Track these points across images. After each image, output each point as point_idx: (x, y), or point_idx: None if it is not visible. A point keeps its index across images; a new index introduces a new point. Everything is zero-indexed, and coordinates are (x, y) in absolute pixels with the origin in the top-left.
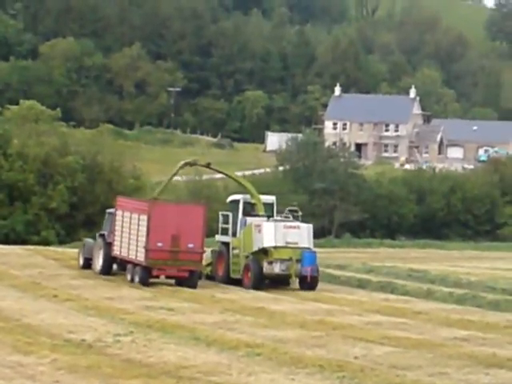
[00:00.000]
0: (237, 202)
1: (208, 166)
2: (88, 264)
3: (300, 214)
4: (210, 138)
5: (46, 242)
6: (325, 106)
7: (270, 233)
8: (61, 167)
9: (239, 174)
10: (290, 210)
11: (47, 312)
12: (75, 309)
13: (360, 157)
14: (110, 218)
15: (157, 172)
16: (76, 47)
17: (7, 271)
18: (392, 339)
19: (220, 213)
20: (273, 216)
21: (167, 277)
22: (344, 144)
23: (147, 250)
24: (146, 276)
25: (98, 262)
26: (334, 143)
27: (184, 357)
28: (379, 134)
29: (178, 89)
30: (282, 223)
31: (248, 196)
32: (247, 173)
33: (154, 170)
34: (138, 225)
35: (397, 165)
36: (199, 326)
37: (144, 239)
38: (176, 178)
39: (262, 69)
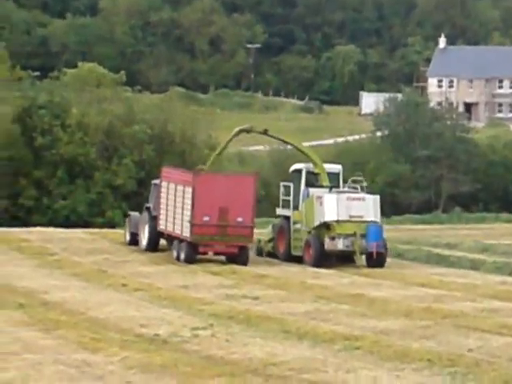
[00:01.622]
0: (299, 171)
1: (265, 132)
2: (135, 240)
3: (365, 184)
4: (295, 101)
5: (112, 224)
6: (428, 60)
7: (332, 205)
8: (126, 138)
9: (331, 141)
10: (353, 181)
11: (115, 304)
12: (147, 299)
13: (470, 118)
14: (155, 190)
15: (235, 141)
16: (141, 1)
17: (69, 258)
18: (511, 329)
19: (281, 183)
20: (339, 187)
21: (216, 253)
22: (451, 104)
23: (192, 225)
24: (192, 253)
25: (144, 238)
26: (440, 103)
27: (272, 352)
28: (492, 91)
29: (257, 45)
30: (345, 195)
31: (311, 165)
32: (340, 140)
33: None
34: (184, 197)
35: None
36: (288, 316)
37: (189, 213)
38: (258, 147)
39: (354, 20)
